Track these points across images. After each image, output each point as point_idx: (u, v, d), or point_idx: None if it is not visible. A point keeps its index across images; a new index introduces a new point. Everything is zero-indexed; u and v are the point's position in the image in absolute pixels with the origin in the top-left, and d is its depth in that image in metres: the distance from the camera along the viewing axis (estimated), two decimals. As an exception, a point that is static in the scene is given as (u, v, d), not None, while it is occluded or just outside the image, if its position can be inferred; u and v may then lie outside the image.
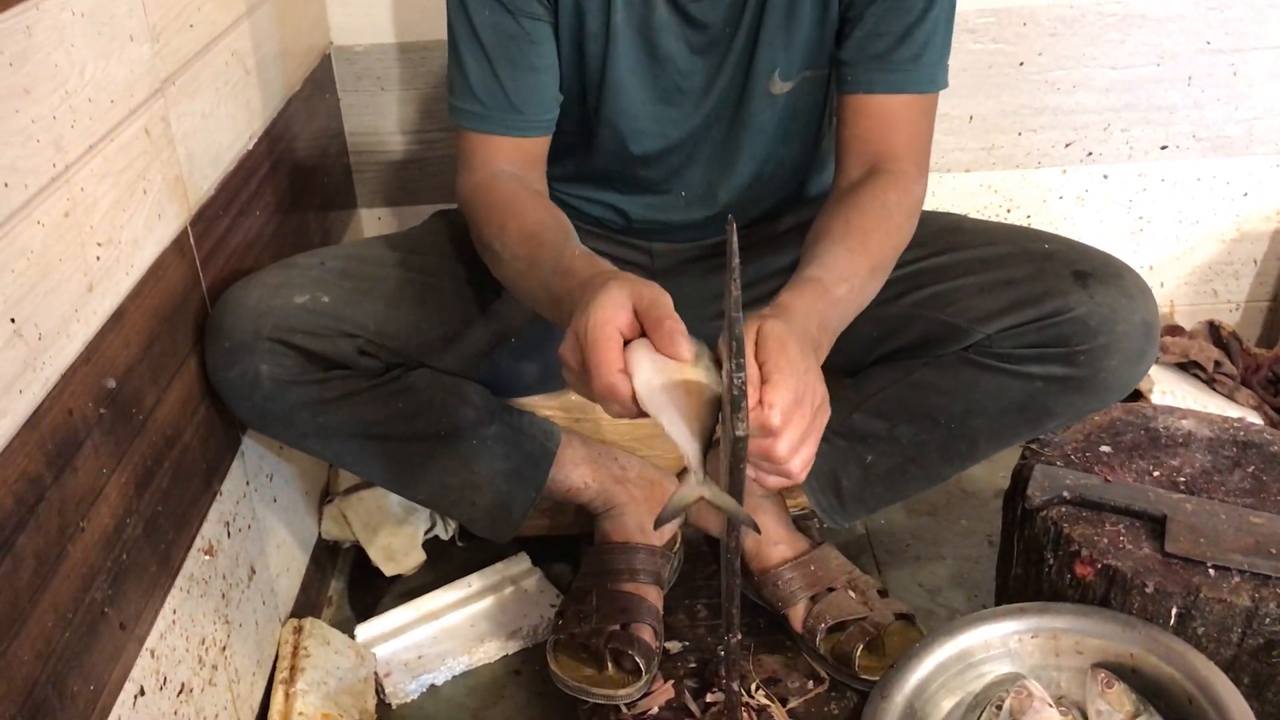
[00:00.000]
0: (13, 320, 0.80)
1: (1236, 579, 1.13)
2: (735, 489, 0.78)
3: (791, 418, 0.83)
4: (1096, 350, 1.16)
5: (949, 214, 1.39)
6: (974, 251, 1.25)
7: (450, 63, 1.21)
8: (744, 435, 0.73)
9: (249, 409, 1.17)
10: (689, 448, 0.81)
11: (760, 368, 0.84)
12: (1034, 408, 1.21)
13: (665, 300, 0.86)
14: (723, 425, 0.81)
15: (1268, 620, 1.10)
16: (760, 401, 0.82)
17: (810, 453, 0.86)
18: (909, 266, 1.26)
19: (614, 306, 0.85)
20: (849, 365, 1.32)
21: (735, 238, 0.82)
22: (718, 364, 0.84)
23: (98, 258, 0.92)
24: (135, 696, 0.96)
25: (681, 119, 1.26)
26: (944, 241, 1.27)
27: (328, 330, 1.16)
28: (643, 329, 0.86)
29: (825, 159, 1.36)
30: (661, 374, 0.82)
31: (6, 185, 0.79)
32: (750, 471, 0.85)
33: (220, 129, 1.22)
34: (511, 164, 1.22)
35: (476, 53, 1.18)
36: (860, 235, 1.09)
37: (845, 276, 1.04)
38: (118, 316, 0.96)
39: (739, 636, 0.94)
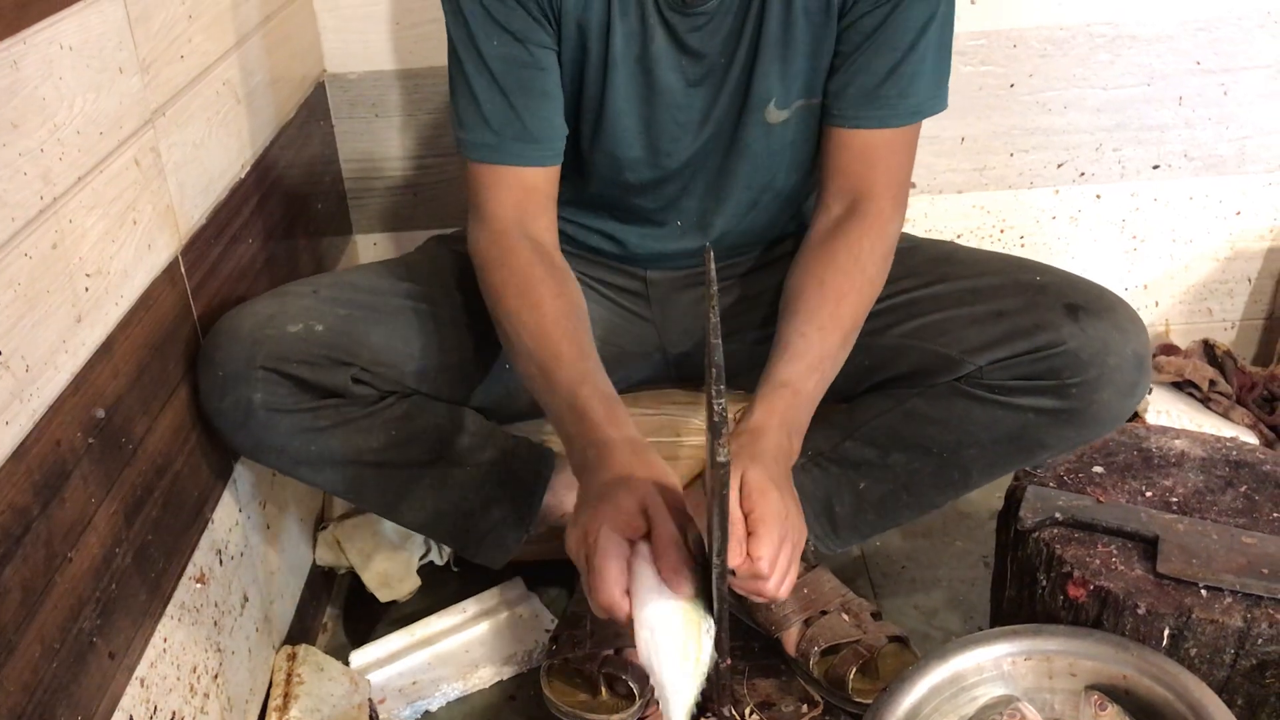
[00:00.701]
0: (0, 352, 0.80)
1: (1229, 599, 1.13)
2: (720, 518, 0.78)
3: (777, 563, 0.93)
4: (1088, 383, 1.16)
5: (941, 242, 1.39)
6: (966, 282, 1.25)
7: (458, 96, 1.20)
8: (725, 461, 0.73)
9: (243, 438, 1.17)
10: (675, 711, 0.87)
11: (746, 518, 0.93)
12: (1026, 439, 1.21)
13: (672, 520, 0.91)
14: (706, 456, 0.81)
15: (1260, 641, 1.10)
16: (749, 554, 0.91)
17: (793, 578, 0.96)
18: (901, 296, 1.26)
19: (624, 518, 0.90)
20: (841, 393, 1.32)
21: (713, 266, 0.82)
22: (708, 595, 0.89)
23: (86, 289, 0.93)
24: (125, 726, 0.96)
25: (677, 149, 1.26)
26: (936, 272, 1.28)
27: (321, 359, 1.17)
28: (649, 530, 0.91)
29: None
30: (662, 625, 0.87)
31: (-7, 218, 0.80)
32: (737, 587, 0.94)
33: (212, 158, 1.22)
34: (521, 206, 1.20)
35: (487, 82, 1.18)
36: (834, 304, 1.15)
37: (816, 366, 1.11)
38: (107, 347, 0.96)
39: (729, 662, 0.94)
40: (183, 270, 1.13)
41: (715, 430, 0.74)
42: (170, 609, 1.06)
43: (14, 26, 0.84)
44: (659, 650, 0.85)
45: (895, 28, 1.16)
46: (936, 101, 1.21)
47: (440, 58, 1.41)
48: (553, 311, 1.13)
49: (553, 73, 1.20)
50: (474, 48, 1.17)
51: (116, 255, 0.99)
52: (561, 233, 1.35)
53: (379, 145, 1.75)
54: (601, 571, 0.88)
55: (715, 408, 0.74)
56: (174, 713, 1.06)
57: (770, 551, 0.92)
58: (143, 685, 1.00)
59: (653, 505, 0.91)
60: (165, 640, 1.05)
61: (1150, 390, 1.76)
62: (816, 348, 1.12)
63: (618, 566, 0.89)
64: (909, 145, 1.23)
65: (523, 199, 1.20)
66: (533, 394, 1.13)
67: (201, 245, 1.18)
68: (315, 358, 1.16)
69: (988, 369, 1.19)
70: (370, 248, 1.83)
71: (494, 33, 1.16)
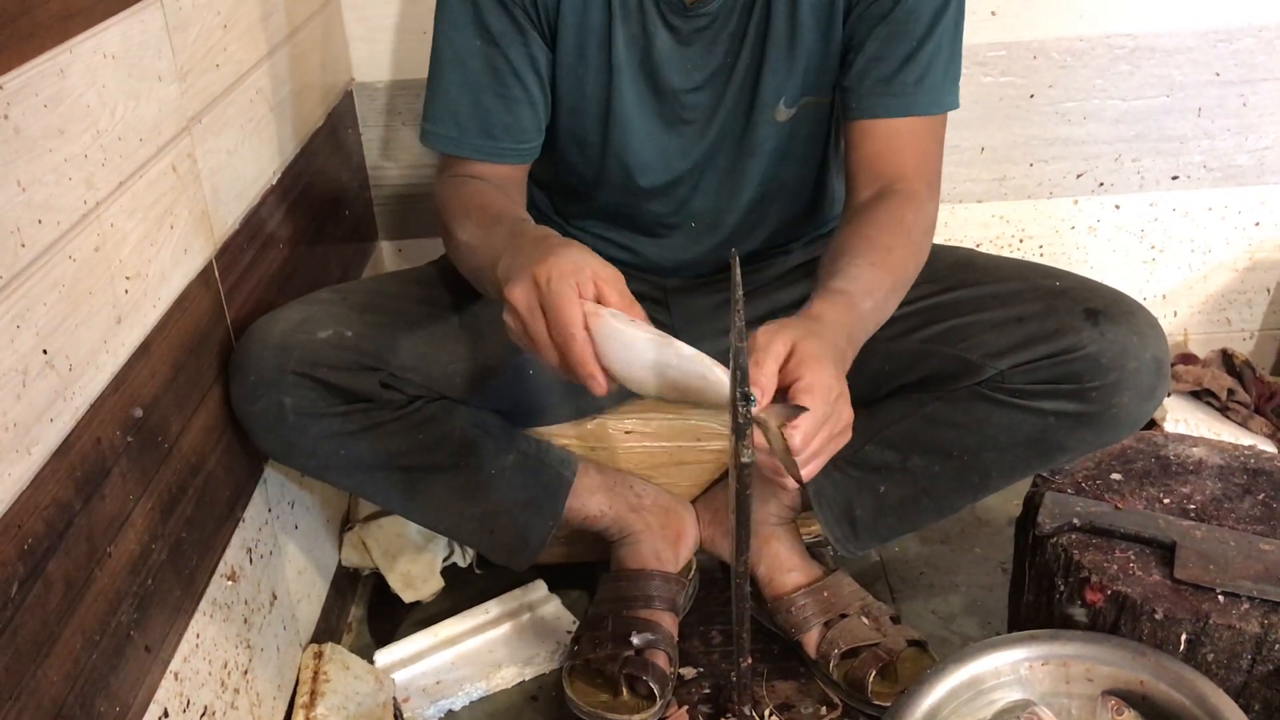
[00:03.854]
0: (45, 351, 0.83)
1: (1245, 605, 1.13)
2: (741, 514, 0.80)
3: (813, 440, 0.88)
4: (1108, 387, 1.17)
5: (961, 249, 1.41)
6: (986, 288, 1.26)
7: (429, 89, 1.24)
8: (749, 462, 0.75)
9: (273, 441, 1.19)
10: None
11: (790, 386, 0.89)
12: (1045, 442, 1.23)
13: (624, 282, 0.92)
14: (729, 458, 0.83)
15: (1277, 647, 1.11)
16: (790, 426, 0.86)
17: (821, 464, 0.91)
18: (922, 302, 1.28)
19: (579, 265, 0.90)
20: (862, 398, 1.33)
21: (738, 269, 0.84)
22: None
23: (126, 291, 0.95)
24: (160, 718, 0.98)
25: (686, 149, 1.28)
26: (956, 277, 1.29)
27: (351, 364, 1.19)
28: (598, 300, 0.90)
29: (828, 183, 1.38)
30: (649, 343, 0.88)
31: (40, 222, 0.82)
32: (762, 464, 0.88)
33: (244, 164, 1.25)
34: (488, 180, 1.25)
35: (459, 80, 1.21)
36: (883, 251, 1.13)
37: (870, 291, 1.08)
38: (145, 348, 0.99)
39: (749, 661, 0.95)
40: (216, 274, 1.15)
41: (739, 432, 0.76)
42: (203, 605, 1.09)
43: (61, 36, 0.86)
44: (669, 344, 0.86)
45: (907, 15, 1.18)
46: (951, 97, 1.23)
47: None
48: (498, 204, 1.17)
49: (529, 78, 1.22)
50: (452, 44, 1.21)
51: (154, 259, 1.01)
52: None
53: (404, 153, 1.78)
54: (561, 307, 0.88)
55: (739, 409, 0.76)
56: (206, 707, 1.08)
57: (810, 425, 0.87)
58: (177, 679, 1.02)
59: (601, 271, 0.90)
60: (198, 636, 1.07)
61: (1169, 394, 1.77)
62: (869, 275, 1.09)
63: (576, 303, 0.88)
64: (934, 136, 1.24)
65: (488, 177, 1.25)
66: (470, 268, 1.15)
67: (234, 250, 1.20)
68: (345, 363, 1.18)
69: (1008, 373, 1.20)
70: (395, 254, 1.85)
71: (474, 32, 1.19)
